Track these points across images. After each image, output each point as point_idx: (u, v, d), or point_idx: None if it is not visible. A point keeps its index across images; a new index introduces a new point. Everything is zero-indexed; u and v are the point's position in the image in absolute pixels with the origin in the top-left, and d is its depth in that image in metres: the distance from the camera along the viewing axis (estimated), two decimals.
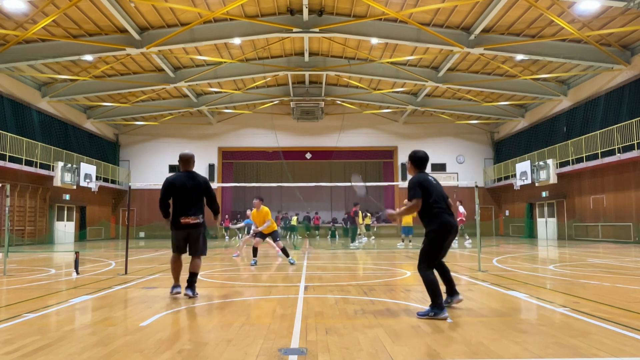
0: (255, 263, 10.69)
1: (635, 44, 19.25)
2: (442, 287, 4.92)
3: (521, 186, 26.35)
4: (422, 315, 4.70)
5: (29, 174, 21.86)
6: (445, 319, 4.61)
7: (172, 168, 30.53)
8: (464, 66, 23.53)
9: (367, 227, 23.11)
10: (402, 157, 31.83)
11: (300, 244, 21.02)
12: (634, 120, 18.45)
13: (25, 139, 21.46)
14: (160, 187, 6.25)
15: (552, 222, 25.86)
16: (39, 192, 23.33)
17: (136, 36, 18.55)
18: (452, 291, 5.19)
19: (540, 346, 3.61)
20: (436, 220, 4.84)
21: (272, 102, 29.96)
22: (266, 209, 11.08)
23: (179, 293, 6.04)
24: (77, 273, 8.77)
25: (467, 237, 20.18)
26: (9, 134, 20.40)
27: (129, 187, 9.63)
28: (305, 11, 18.01)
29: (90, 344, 3.80)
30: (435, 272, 4.99)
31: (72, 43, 18.95)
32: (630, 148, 18.55)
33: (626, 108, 19.67)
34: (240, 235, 14.93)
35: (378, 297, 6.08)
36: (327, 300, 5.86)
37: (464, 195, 26.77)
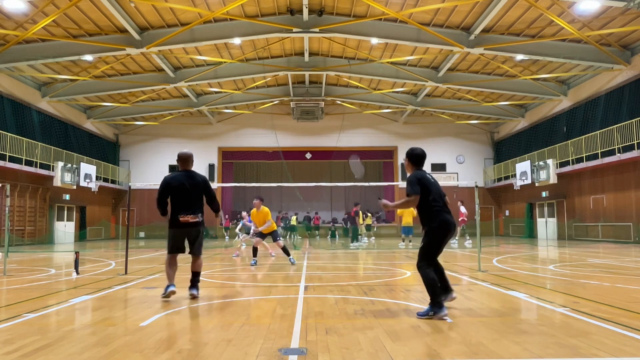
0: (255, 263, 10.69)
1: (635, 44, 19.25)
2: None
3: (521, 186, 26.35)
4: (422, 315, 4.70)
5: (29, 174, 21.86)
6: (444, 317, 4.62)
7: (172, 168, 30.52)
8: (464, 66, 23.53)
9: (368, 227, 23.10)
10: (402, 157, 31.61)
11: (300, 244, 21.01)
12: (634, 120, 18.45)
13: (25, 139, 21.47)
14: (166, 176, 6.19)
15: (552, 222, 25.86)
16: (39, 192, 23.33)
17: (136, 36, 18.55)
18: (446, 288, 5.18)
19: (540, 346, 3.61)
20: (436, 219, 4.85)
21: (272, 102, 29.97)
22: (266, 209, 11.10)
23: (174, 292, 5.89)
24: (77, 273, 8.77)
25: (468, 237, 20.17)
26: (9, 134, 20.40)
27: (129, 187, 9.63)
28: (305, 11, 18.01)
29: (90, 344, 3.80)
30: None
31: (72, 43, 18.95)
32: (630, 148, 18.55)
33: (626, 108, 19.67)
34: (240, 235, 14.90)
35: (378, 297, 6.07)
36: (327, 300, 5.86)
37: (464, 195, 26.79)
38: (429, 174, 5.09)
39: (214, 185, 29.61)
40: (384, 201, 5.04)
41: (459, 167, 32.45)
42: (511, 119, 29.76)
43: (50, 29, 18.17)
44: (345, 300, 5.86)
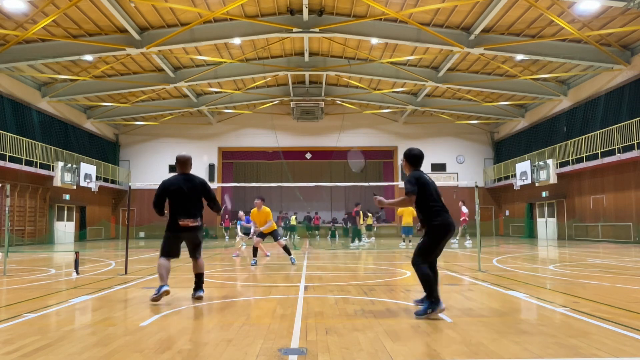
0: (255, 263, 10.69)
1: (635, 44, 19.25)
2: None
3: (521, 186, 26.35)
4: (420, 314, 4.69)
5: (29, 174, 21.86)
6: (442, 311, 4.65)
7: (172, 168, 30.52)
8: (464, 66, 23.53)
9: (369, 227, 23.10)
10: (402, 158, 31.80)
11: (300, 244, 21.02)
12: (634, 120, 18.45)
13: (25, 139, 21.47)
14: (164, 179, 6.15)
15: (552, 222, 25.86)
16: (39, 192, 23.33)
17: (136, 36, 18.55)
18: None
19: (540, 346, 3.61)
20: (437, 218, 4.85)
21: (272, 102, 29.97)
22: (267, 209, 11.11)
23: (168, 293, 5.66)
24: (77, 273, 8.77)
25: (468, 237, 20.17)
26: (9, 134, 20.41)
27: (129, 187, 9.63)
28: (305, 11, 18.01)
29: (90, 344, 3.80)
30: None
31: (72, 43, 18.95)
32: (630, 148, 18.55)
33: (626, 108, 19.67)
34: (239, 235, 14.89)
35: (378, 297, 6.07)
36: (327, 300, 5.86)
37: (464, 195, 26.78)
38: (426, 174, 5.10)
39: (214, 185, 29.66)
40: (379, 198, 5.03)
41: (459, 167, 32.46)
42: (511, 119, 29.76)
43: (50, 29, 18.17)
44: (345, 300, 5.86)
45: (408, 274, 8.78)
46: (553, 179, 23.17)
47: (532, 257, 12.64)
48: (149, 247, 18.93)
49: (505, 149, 31.05)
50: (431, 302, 4.68)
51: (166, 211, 5.94)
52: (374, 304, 5.53)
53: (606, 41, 19.05)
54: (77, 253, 9.19)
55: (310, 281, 7.74)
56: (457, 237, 19.89)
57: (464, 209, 19.48)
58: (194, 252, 6.06)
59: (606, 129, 20.23)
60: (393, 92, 27.90)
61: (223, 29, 19.15)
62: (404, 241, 18.30)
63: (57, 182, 22.91)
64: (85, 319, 4.92)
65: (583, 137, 21.85)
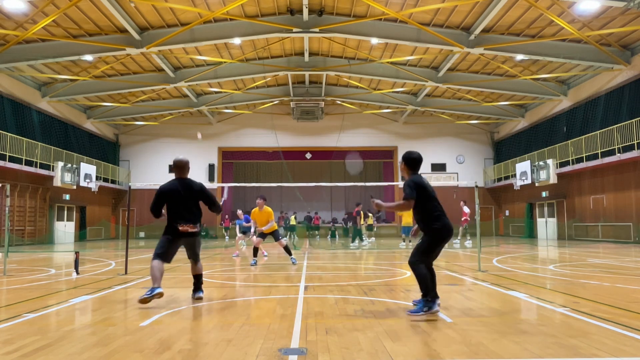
0: (255, 263, 10.69)
1: (635, 44, 19.25)
2: None
3: (521, 186, 26.35)
4: (414, 312, 4.67)
5: (29, 174, 21.86)
6: (437, 312, 4.66)
7: (172, 168, 30.50)
8: (464, 66, 23.53)
9: (370, 227, 23.10)
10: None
11: (300, 244, 21.02)
12: (634, 120, 18.45)
13: (25, 139, 21.47)
14: (162, 185, 6.10)
15: (552, 222, 25.86)
16: (39, 192, 23.33)
17: (136, 36, 18.55)
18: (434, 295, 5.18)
19: (540, 346, 3.61)
20: (438, 222, 4.87)
21: (272, 102, 29.97)
22: (269, 209, 11.11)
23: (161, 295, 5.50)
24: (77, 273, 8.77)
25: (468, 237, 20.17)
26: (9, 134, 20.41)
27: (129, 187, 9.63)
28: (305, 11, 18.01)
29: (90, 344, 3.80)
30: None
31: (72, 43, 18.95)
32: (630, 148, 18.55)
33: (626, 108, 19.67)
34: (239, 234, 14.87)
35: (378, 297, 6.07)
36: (327, 300, 5.86)
37: (464, 195, 26.78)
38: (424, 178, 5.10)
39: (214, 185, 29.66)
40: (377, 201, 4.99)
41: (459, 167, 32.45)
42: (511, 119, 29.76)
43: (50, 29, 18.17)
44: (345, 300, 5.86)
45: (408, 274, 8.78)
46: (553, 179, 23.17)
47: (532, 257, 12.64)
48: (149, 247, 18.93)
49: (505, 149, 31.05)
50: (426, 301, 4.69)
51: (164, 211, 5.88)
52: (374, 304, 5.54)
53: (606, 41, 19.05)
54: (77, 253, 9.19)
55: (310, 281, 7.74)
56: (459, 237, 19.88)
57: (466, 209, 19.47)
58: (193, 255, 6.03)
59: (606, 129, 20.23)
60: (393, 92, 27.90)
61: (223, 29, 19.15)
62: (404, 241, 18.30)
63: (57, 182, 22.91)
64: (85, 319, 4.92)
65: (583, 137, 21.85)
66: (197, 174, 30.27)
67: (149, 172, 31.32)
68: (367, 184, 12.83)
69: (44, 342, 3.83)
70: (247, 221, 14.03)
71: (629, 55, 19.58)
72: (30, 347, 3.68)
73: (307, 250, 16.81)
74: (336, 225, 31.54)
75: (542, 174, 23.78)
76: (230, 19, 18.79)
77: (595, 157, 20.76)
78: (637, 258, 11.96)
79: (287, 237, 25.89)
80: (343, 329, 4.24)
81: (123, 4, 16.78)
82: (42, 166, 22.60)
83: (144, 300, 5.36)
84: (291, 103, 28.69)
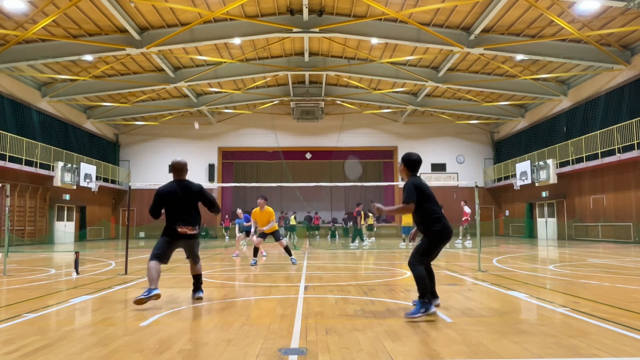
0: (255, 263, 10.69)
1: (635, 44, 19.25)
2: None
3: (521, 186, 26.35)
4: (411, 314, 4.64)
5: (29, 174, 21.86)
6: (433, 313, 4.66)
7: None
8: (464, 66, 23.53)
9: (370, 227, 23.10)
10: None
11: (300, 244, 21.02)
12: (634, 120, 18.45)
13: (25, 139, 21.47)
14: (160, 187, 6.10)
15: (552, 222, 25.86)
16: (39, 192, 23.33)
17: (136, 36, 18.55)
18: (433, 293, 5.18)
19: (540, 346, 3.61)
20: (438, 224, 4.88)
21: (272, 102, 29.97)
22: (270, 209, 11.11)
23: (159, 296, 5.44)
24: (77, 273, 8.77)
25: (469, 237, 20.17)
26: (9, 134, 20.41)
27: (129, 187, 9.63)
28: (305, 11, 18.01)
29: (90, 344, 3.80)
30: None
31: (72, 43, 18.95)
32: (630, 148, 18.55)
33: (626, 108, 19.67)
34: (238, 234, 14.87)
35: (378, 297, 6.07)
36: (327, 300, 5.86)
37: (464, 195, 26.78)
38: (423, 180, 5.11)
39: (214, 185, 29.65)
40: (377, 205, 4.97)
41: (459, 167, 32.45)
42: (511, 119, 29.76)
43: (50, 29, 18.17)
44: (345, 300, 5.86)
45: (408, 274, 8.78)
46: (553, 179, 23.16)
47: (532, 257, 12.64)
48: (149, 247, 18.93)
49: (505, 149, 31.05)
50: (423, 303, 4.68)
51: (162, 210, 5.87)
52: (374, 304, 5.54)
53: (606, 41, 19.05)
54: (77, 253, 9.19)
55: (310, 281, 7.74)
56: (461, 237, 19.88)
57: (467, 209, 19.46)
58: (192, 256, 6.02)
59: (606, 129, 20.23)
60: (393, 92, 27.90)
61: (223, 29, 19.15)
62: (404, 241, 18.30)
63: (57, 182, 22.91)
64: (85, 319, 4.92)
65: (583, 137, 21.85)
66: (197, 174, 30.29)
67: (149, 172, 31.32)
68: (367, 184, 12.83)
69: (44, 342, 3.83)
70: (247, 220, 14.02)
71: (629, 55, 19.58)
72: (30, 347, 3.68)
73: (307, 250, 16.81)
74: (336, 225, 31.54)
75: (542, 174, 23.78)
76: (230, 19, 18.79)
77: (595, 157, 20.76)
78: (637, 258, 11.96)
79: (287, 237, 25.89)
80: (343, 329, 4.24)
81: (123, 4, 16.78)
82: (42, 166, 22.60)
83: (139, 302, 5.30)
84: (291, 103, 28.69)
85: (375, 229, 24.91)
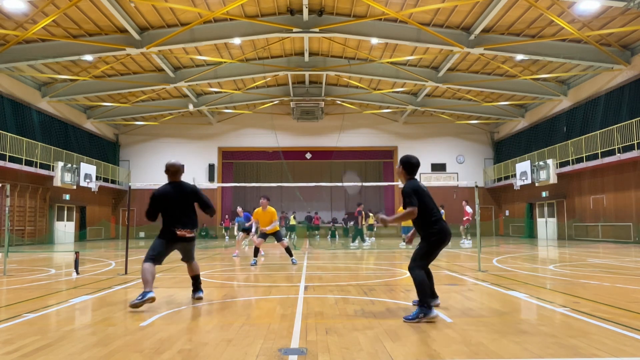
0: (255, 263, 10.69)
1: (635, 44, 19.25)
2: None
3: (521, 186, 26.34)
4: (410, 318, 4.59)
5: (29, 174, 21.86)
6: (434, 319, 4.59)
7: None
8: (464, 66, 23.53)
9: (371, 227, 23.11)
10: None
11: (300, 244, 21.02)
12: (634, 120, 18.45)
13: (25, 139, 21.47)
14: (155, 189, 6.02)
15: (552, 222, 25.86)
16: (39, 192, 23.33)
17: (136, 36, 18.55)
18: (432, 294, 5.18)
19: (540, 346, 3.61)
20: (436, 227, 4.88)
21: (272, 102, 29.97)
22: (273, 209, 11.11)
23: (154, 299, 5.35)
24: (77, 273, 8.77)
25: (469, 237, 20.17)
26: (9, 134, 20.40)
27: (129, 187, 9.63)
28: (305, 11, 18.01)
29: (90, 344, 3.80)
30: None
31: (72, 43, 18.95)
32: (630, 148, 18.55)
33: (626, 108, 19.67)
34: (239, 235, 14.88)
35: (378, 297, 6.08)
36: (327, 300, 5.86)
37: (465, 195, 26.80)
38: (421, 182, 5.12)
39: (214, 185, 29.67)
40: (382, 216, 4.92)
41: (459, 167, 32.45)
42: (511, 119, 29.76)
43: (50, 29, 18.17)
44: (345, 300, 5.86)
45: (408, 274, 8.78)
46: (553, 179, 23.16)
47: (532, 257, 12.64)
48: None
49: (505, 149, 31.05)
50: (422, 308, 4.66)
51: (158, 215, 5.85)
52: (374, 304, 5.54)
53: (606, 41, 19.05)
54: (77, 253, 9.19)
55: (310, 281, 7.74)
56: (464, 237, 19.88)
57: (468, 209, 19.45)
58: (188, 258, 6.02)
59: (606, 129, 20.23)
60: (393, 92, 27.90)
61: (223, 29, 19.14)
62: (404, 241, 18.26)
63: (57, 182, 22.91)
64: (85, 319, 4.92)
65: (583, 137, 21.85)
66: (197, 174, 30.32)
67: (149, 172, 31.30)
68: (367, 184, 12.83)
69: (44, 342, 3.83)
70: (247, 219, 14.01)
71: (629, 55, 19.58)
72: (30, 347, 3.68)
73: (307, 250, 16.80)
74: (336, 225, 31.51)
75: (542, 174, 23.78)
76: (230, 19, 18.79)
77: (595, 157, 20.76)
78: (637, 258, 11.96)
79: (287, 237, 25.88)
80: (343, 329, 4.24)
81: (123, 4, 16.78)
82: (42, 166, 22.59)
83: (135, 305, 5.22)
84: (291, 103, 28.69)
85: (375, 229, 24.92)
